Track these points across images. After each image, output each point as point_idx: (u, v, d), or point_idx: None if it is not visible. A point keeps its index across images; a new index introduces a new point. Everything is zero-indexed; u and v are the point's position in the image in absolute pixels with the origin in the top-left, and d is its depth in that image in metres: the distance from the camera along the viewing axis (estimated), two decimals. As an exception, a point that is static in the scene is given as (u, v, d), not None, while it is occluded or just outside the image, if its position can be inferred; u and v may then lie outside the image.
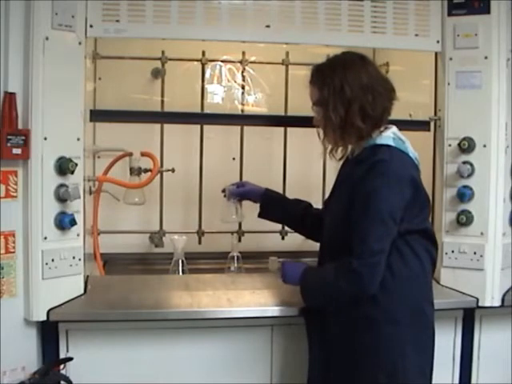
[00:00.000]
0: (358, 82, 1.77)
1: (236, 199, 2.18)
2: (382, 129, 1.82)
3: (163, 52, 2.62)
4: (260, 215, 2.15)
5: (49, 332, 1.93)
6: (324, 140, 1.86)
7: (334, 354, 1.81)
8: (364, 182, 1.73)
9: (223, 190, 2.19)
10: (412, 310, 1.77)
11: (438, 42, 2.16)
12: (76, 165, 1.88)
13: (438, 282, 2.17)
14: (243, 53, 2.69)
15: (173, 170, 2.59)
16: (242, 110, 2.75)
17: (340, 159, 1.88)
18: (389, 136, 1.79)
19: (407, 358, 1.74)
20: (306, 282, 1.83)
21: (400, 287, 1.75)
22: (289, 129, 2.72)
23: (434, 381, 1.83)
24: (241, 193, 2.17)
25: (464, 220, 2.11)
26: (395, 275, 1.74)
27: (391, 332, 1.74)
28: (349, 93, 1.76)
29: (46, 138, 1.86)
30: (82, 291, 1.97)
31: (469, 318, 2.19)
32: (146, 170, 2.48)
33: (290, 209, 2.12)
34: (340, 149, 1.85)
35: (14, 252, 1.86)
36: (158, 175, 2.56)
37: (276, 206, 2.13)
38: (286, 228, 2.66)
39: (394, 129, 1.83)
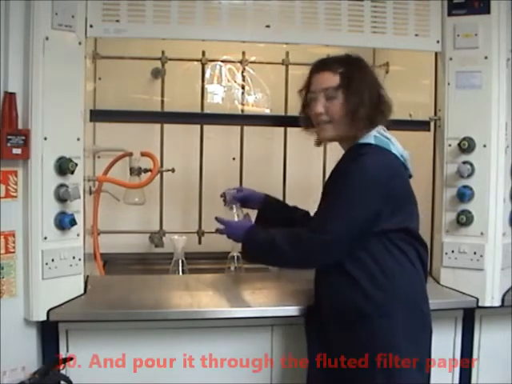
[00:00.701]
0: (374, 76, 1.90)
1: (237, 204, 2.13)
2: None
3: (163, 52, 2.62)
4: (257, 221, 2.11)
5: (49, 332, 1.93)
6: (326, 127, 1.88)
7: (334, 353, 1.81)
8: (342, 174, 1.79)
9: (222, 195, 2.15)
10: (406, 304, 1.76)
11: (438, 42, 2.15)
12: (76, 165, 1.88)
13: (438, 282, 2.17)
14: (243, 53, 2.69)
15: (173, 170, 2.60)
16: (242, 110, 2.75)
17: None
18: (370, 135, 1.82)
19: (404, 356, 1.72)
20: (252, 235, 1.90)
21: (392, 283, 1.74)
22: (289, 129, 2.71)
23: (434, 381, 1.83)
24: (241, 198, 2.14)
25: (464, 220, 2.11)
26: (384, 271, 1.74)
27: (386, 328, 1.73)
28: (370, 80, 1.87)
29: (46, 138, 1.85)
30: (81, 291, 1.97)
31: (469, 318, 2.19)
32: (146, 170, 2.49)
33: (289, 216, 2.12)
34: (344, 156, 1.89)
35: (14, 252, 1.86)
36: (158, 175, 2.57)
37: (276, 213, 2.12)
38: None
39: (378, 127, 1.86)
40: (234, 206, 2.11)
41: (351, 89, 1.83)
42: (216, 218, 2.04)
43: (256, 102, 2.82)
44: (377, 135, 1.82)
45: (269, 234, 1.87)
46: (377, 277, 1.74)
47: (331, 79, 1.87)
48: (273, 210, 2.13)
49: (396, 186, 1.78)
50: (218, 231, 2.03)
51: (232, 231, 1.98)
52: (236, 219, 2.09)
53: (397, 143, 1.84)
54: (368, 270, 1.74)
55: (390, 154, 1.80)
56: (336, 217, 1.76)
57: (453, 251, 2.15)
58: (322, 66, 1.90)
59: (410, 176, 1.89)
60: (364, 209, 1.74)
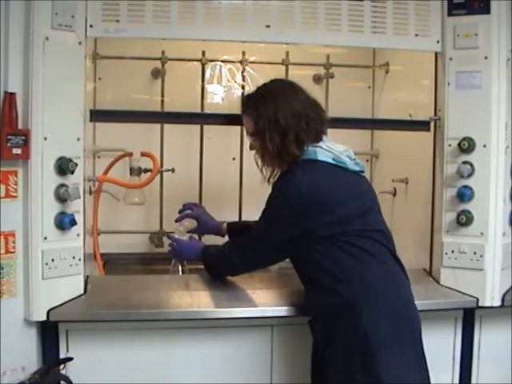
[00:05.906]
0: (290, 110, 1.82)
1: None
2: None
3: (163, 52, 2.62)
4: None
5: (49, 332, 1.93)
6: (263, 168, 1.91)
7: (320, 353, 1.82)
8: (271, 194, 1.86)
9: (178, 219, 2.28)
10: (372, 293, 1.73)
11: (438, 42, 2.15)
12: (76, 165, 1.88)
13: (438, 282, 2.17)
14: (243, 53, 2.69)
15: (173, 170, 2.60)
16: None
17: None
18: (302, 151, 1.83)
19: (384, 358, 1.67)
20: (207, 252, 2.07)
21: (349, 275, 1.74)
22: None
23: (434, 381, 1.82)
24: (200, 232, 2.34)
25: (464, 220, 2.11)
26: (340, 266, 1.74)
27: (356, 318, 1.70)
28: (283, 122, 1.81)
29: (46, 138, 1.85)
30: (82, 291, 1.97)
31: (469, 317, 2.19)
32: (146, 170, 2.49)
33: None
34: (278, 174, 1.90)
35: (13, 252, 1.86)
36: (158, 175, 2.57)
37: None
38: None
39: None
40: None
41: (264, 135, 1.83)
42: (168, 236, 2.23)
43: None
44: (304, 149, 1.82)
45: (218, 248, 2.03)
46: (336, 273, 1.74)
47: (248, 124, 1.92)
48: (241, 230, 2.14)
49: (322, 194, 1.76)
50: (169, 248, 2.22)
51: (183, 249, 2.18)
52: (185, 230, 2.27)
53: (330, 146, 1.83)
54: (325, 269, 1.75)
55: (317, 164, 1.80)
56: (254, 238, 1.90)
57: (453, 251, 2.15)
58: (243, 108, 1.95)
59: (362, 171, 1.90)
60: (284, 228, 1.79)
